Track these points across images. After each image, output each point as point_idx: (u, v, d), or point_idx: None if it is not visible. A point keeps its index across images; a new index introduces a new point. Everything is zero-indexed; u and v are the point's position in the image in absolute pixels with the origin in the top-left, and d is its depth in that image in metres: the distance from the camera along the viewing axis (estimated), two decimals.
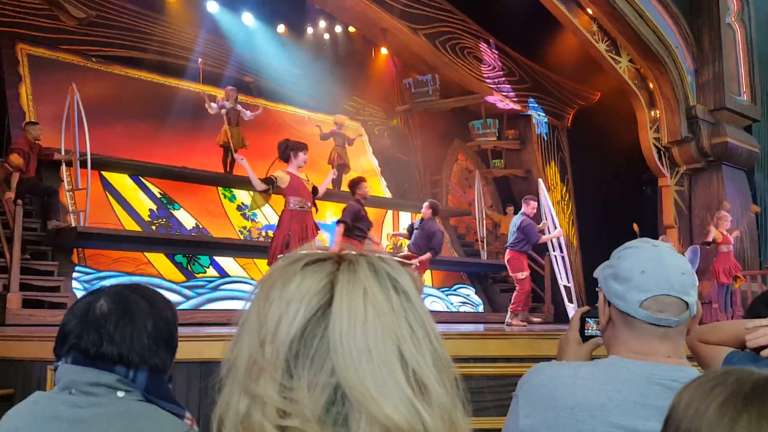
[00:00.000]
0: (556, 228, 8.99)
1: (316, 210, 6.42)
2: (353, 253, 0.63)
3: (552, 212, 9.07)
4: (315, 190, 6.36)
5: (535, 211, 8.22)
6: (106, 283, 7.55)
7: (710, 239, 8.89)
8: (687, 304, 1.21)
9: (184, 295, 8.17)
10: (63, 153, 8.07)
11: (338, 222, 6.93)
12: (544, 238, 8.12)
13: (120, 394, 1.18)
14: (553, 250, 9.30)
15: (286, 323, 0.58)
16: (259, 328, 0.59)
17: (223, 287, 8.63)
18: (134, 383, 1.20)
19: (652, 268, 1.22)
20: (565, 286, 9.44)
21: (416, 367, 0.57)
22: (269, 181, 6.12)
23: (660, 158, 10.80)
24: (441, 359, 0.60)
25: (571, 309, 8.99)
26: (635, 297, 1.22)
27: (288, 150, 6.18)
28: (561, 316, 11.26)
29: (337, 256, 0.62)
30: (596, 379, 1.21)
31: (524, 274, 7.87)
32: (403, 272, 0.62)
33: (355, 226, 6.93)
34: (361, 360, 0.55)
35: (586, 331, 1.41)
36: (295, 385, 0.56)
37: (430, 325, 0.61)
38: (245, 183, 9.80)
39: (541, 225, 8.28)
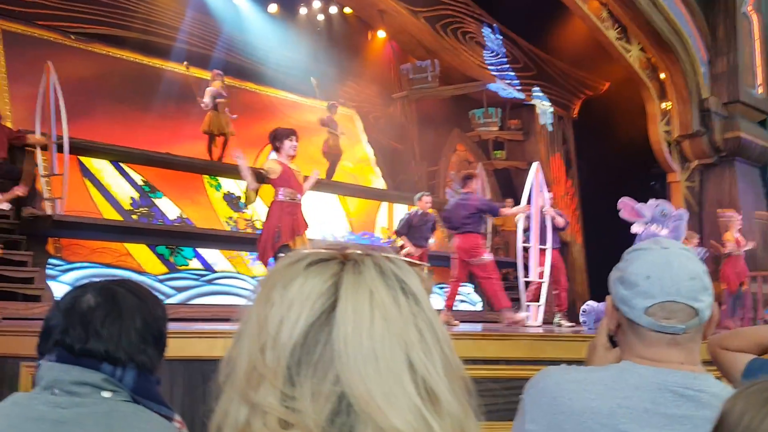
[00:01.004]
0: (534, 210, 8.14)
1: None
2: (358, 252, 0.63)
3: (534, 193, 8.02)
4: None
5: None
6: (82, 274, 7.61)
7: (727, 251, 8.95)
8: (696, 310, 1.21)
9: (164, 293, 8.16)
10: (38, 136, 8.02)
11: (499, 211, 7.68)
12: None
13: (106, 394, 1.18)
14: (528, 242, 8.12)
15: (287, 328, 0.58)
16: (259, 333, 0.59)
17: (216, 281, 8.65)
18: (121, 382, 1.20)
19: (658, 272, 1.22)
20: (527, 282, 8.09)
21: (426, 374, 0.57)
22: (260, 178, 6.06)
23: (670, 152, 10.84)
24: (452, 366, 0.60)
25: (536, 308, 7.90)
26: (640, 303, 1.22)
27: (274, 140, 6.13)
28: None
29: (342, 256, 0.62)
30: (606, 384, 1.22)
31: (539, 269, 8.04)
32: (412, 273, 0.62)
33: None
34: (367, 367, 0.55)
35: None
36: (297, 393, 0.56)
37: (440, 329, 0.61)
38: (232, 171, 9.79)
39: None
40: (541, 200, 8.13)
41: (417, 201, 8.51)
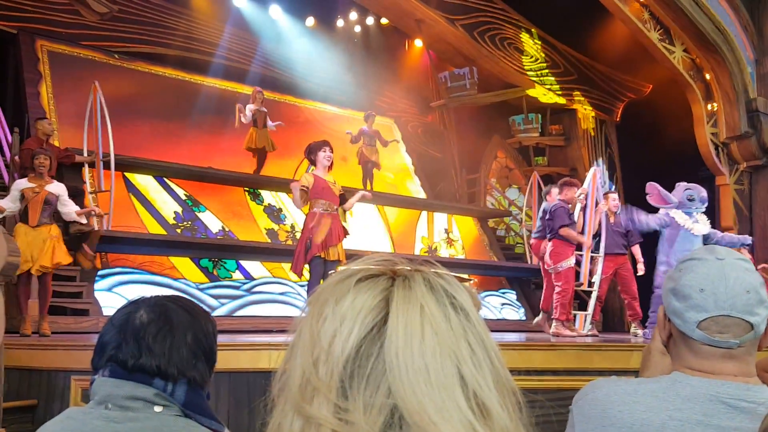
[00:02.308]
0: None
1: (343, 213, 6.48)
2: (408, 268, 0.64)
3: (589, 199, 7.99)
4: (343, 198, 6.37)
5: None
6: (118, 280, 7.78)
7: None
8: (751, 324, 1.19)
9: (206, 303, 8.28)
10: (85, 154, 8.24)
11: (561, 227, 7.23)
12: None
13: (157, 408, 1.21)
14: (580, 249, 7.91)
15: (339, 341, 0.59)
16: (312, 347, 0.60)
17: (255, 290, 8.75)
18: (173, 397, 1.22)
19: (712, 285, 1.20)
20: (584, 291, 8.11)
21: (477, 388, 0.58)
22: (304, 196, 6.13)
23: (718, 155, 10.61)
24: (503, 381, 0.61)
25: (581, 317, 7.88)
26: (693, 317, 1.20)
27: (309, 154, 6.30)
28: (610, 325, 11.12)
29: (392, 272, 0.63)
30: (657, 396, 1.20)
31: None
32: (461, 289, 0.63)
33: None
34: (418, 381, 0.56)
35: None
36: (350, 406, 0.57)
37: (490, 344, 0.62)
38: (272, 183, 9.95)
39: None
40: (601, 206, 8.01)
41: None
